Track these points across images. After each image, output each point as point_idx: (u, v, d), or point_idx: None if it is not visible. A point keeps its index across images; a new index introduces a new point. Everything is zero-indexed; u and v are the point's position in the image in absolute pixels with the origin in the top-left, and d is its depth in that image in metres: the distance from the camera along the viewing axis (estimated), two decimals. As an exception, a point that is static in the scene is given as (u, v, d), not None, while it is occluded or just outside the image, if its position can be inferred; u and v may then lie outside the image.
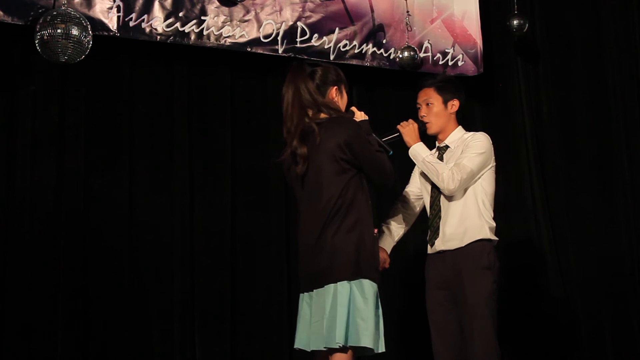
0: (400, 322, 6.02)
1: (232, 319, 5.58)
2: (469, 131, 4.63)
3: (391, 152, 4.16)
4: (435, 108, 4.55)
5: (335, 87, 3.95)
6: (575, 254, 6.81)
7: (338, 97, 3.96)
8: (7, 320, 4.98)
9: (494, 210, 4.53)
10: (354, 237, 3.69)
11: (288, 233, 5.72)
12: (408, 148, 4.50)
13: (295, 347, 3.86)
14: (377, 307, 3.69)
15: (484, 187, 4.44)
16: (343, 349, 3.62)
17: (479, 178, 4.43)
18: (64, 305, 5.13)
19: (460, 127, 4.62)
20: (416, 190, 4.73)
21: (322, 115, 3.86)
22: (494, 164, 4.52)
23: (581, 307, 6.67)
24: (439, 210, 4.46)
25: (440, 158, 4.53)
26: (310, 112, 3.86)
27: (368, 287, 3.66)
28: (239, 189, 5.75)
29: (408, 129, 4.48)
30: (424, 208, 4.69)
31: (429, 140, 4.66)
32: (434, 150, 4.64)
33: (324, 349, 3.66)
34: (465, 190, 4.41)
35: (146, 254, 5.42)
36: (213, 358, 5.51)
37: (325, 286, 3.68)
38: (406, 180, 4.85)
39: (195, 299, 5.51)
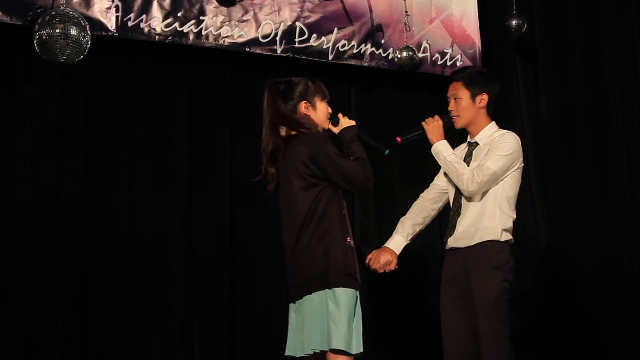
0: (409, 320, 6.08)
1: (231, 319, 5.60)
2: (503, 128, 4.50)
3: (387, 151, 4.15)
4: (463, 102, 4.43)
5: (304, 101, 3.94)
6: (575, 254, 6.83)
7: (309, 111, 3.95)
8: (7, 320, 5.00)
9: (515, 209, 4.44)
10: (322, 249, 3.74)
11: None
12: (431, 145, 4.42)
13: (285, 354, 3.90)
14: (351, 311, 3.72)
15: (506, 189, 4.33)
16: (337, 352, 3.68)
17: (502, 180, 4.34)
18: (63, 305, 5.15)
19: (493, 123, 4.48)
20: (442, 184, 4.62)
21: (294, 131, 3.89)
22: (521, 165, 4.40)
23: (580, 307, 6.68)
24: (460, 208, 4.39)
25: (470, 154, 4.45)
26: (282, 130, 3.90)
27: (340, 293, 3.70)
28: (238, 189, 5.75)
29: (432, 127, 4.40)
30: (448, 203, 4.60)
31: (461, 136, 4.60)
32: (465, 144, 4.57)
33: (306, 355, 3.75)
34: (487, 190, 4.33)
35: (146, 254, 5.43)
36: (212, 358, 5.52)
37: (303, 297, 3.77)
38: (422, 180, 4.81)
39: (194, 299, 5.52)
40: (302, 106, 3.93)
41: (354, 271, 3.80)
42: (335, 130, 4.00)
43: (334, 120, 4.01)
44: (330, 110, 4.01)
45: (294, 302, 3.86)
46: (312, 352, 3.69)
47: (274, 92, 3.94)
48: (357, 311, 3.76)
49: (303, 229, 3.78)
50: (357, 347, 3.71)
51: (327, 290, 3.70)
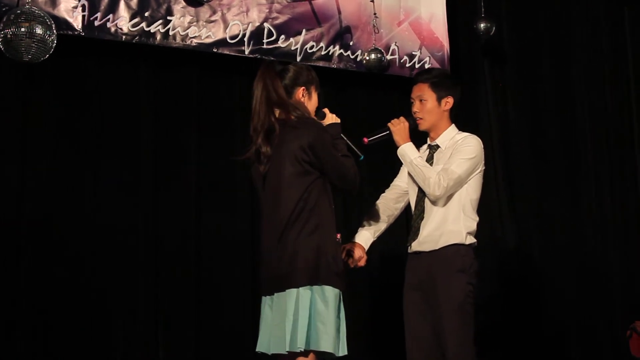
0: (376, 324, 6.06)
1: (196, 322, 5.54)
2: (462, 131, 4.51)
3: (362, 157, 4.11)
4: (429, 104, 4.41)
5: (303, 87, 3.91)
6: (542, 258, 6.84)
7: (305, 98, 3.92)
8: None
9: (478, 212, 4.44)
10: (314, 242, 3.68)
11: (254, 234, 5.64)
12: (397, 147, 4.41)
13: (257, 350, 3.83)
14: (338, 311, 3.68)
15: (469, 193, 4.34)
16: (304, 353, 3.63)
17: (466, 183, 4.33)
18: (26, 308, 5.07)
19: (453, 126, 4.48)
20: (403, 185, 4.61)
21: (289, 116, 3.81)
22: (483, 168, 4.41)
23: (548, 311, 6.71)
24: (422, 211, 4.38)
25: (431, 157, 4.44)
26: (277, 112, 3.82)
27: (329, 292, 3.65)
28: (204, 190, 5.70)
29: (398, 128, 4.39)
30: (409, 205, 4.59)
31: (421, 137, 4.59)
32: (425, 147, 4.56)
33: (285, 353, 3.65)
34: (452, 193, 4.32)
35: (110, 256, 5.36)
36: (177, 361, 5.49)
37: (287, 290, 3.66)
38: (390, 179, 4.78)
39: (159, 301, 5.46)
40: (300, 92, 3.91)
41: (342, 270, 3.76)
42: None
43: (319, 114, 3.99)
44: (317, 104, 4.00)
45: (271, 295, 3.76)
46: (299, 350, 3.59)
47: (272, 72, 3.88)
48: (341, 312, 3.70)
49: (292, 218, 3.69)
50: (342, 350, 3.66)
51: (315, 286, 3.63)
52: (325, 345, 3.59)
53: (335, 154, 3.78)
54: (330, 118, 3.99)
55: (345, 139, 4.00)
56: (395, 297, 4.56)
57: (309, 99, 3.95)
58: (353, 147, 4.07)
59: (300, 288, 3.64)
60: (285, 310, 3.65)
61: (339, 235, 3.80)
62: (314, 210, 3.72)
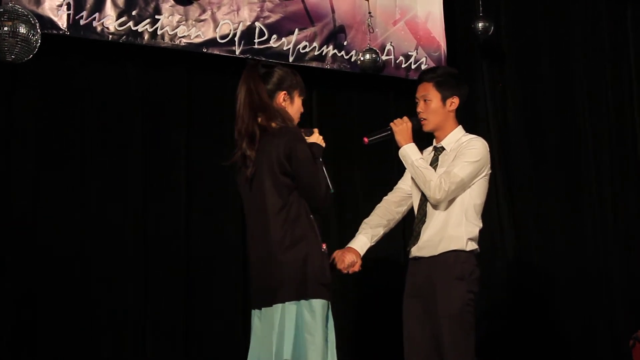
0: (373, 332, 5.99)
1: (186, 329, 5.47)
2: (469, 132, 4.43)
3: (332, 191, 3.92)
4: (433, 105, 4.32)
5: (285, 92, 3.84)
6: (541, 261, 6.79)
7: (287, 103, 3.84)
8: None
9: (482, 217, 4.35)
10: (300, 255, 3.62)
11: (244, 238, 5.53)
12: (399, 147, 4.31)
13: None
14: (326, 321, 3.63)
15: (473, 197, 4.25)
16: None
17: (469, 187, 4.24)
18: (11, 311, 4.99)
19: (459, 127, 4.40)
20: (407, 188, 4.52)
21: (271, 123, 3.75)
22: (489, 172, 4.33)
23: (548, 315, 6.64)
24: (424, 215, 4.29)
25: (436, 159, 4.35)
26: (259, 117, 3.76)
27: (316, 303, 3.60)
28: (194, 192, 5.64)
29: (401, 128, 4.29)
30: (412, 209, 4.50)
31: (426, 138, 4.51)
32: (430, 149, 4.47)
33: None
34: (454, 198, 4.23)
35: (98, 257, 5.28)
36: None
37: (274, 305, 3.62)
38: (386, 183, 4.72)
39: (148, 307, 5.38)
40: (281, 97, 3.82)
41: (330, 281, 3.69)
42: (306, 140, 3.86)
43: (307, 132, 3.88)
44: (302, 110, 3.91)
45: (260, 309, 3.72)
46: None
47: (256, 75, 3.80)
48: (330, 322, 3.65)
49: (275, 230, 3.63)
50: None
51: (302, 300, 3.58)
52: (314, 356, 3.55)
53: (312, 168, 3.70)
54: (315, 138, 3.89)
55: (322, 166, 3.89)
56: (394, 304, 4.50)
57: (290, 104, 3.87)
58: (327, 176, 3.92)
59: (287, 303, 3.60)
60: (272, 323, 3.62)
61: (324, 246, 3.73)
62: (297, 221, 3.67)
